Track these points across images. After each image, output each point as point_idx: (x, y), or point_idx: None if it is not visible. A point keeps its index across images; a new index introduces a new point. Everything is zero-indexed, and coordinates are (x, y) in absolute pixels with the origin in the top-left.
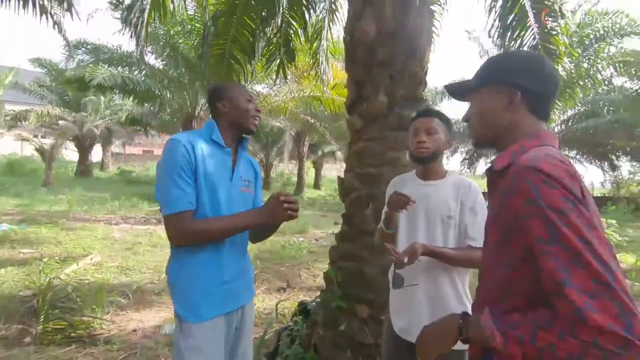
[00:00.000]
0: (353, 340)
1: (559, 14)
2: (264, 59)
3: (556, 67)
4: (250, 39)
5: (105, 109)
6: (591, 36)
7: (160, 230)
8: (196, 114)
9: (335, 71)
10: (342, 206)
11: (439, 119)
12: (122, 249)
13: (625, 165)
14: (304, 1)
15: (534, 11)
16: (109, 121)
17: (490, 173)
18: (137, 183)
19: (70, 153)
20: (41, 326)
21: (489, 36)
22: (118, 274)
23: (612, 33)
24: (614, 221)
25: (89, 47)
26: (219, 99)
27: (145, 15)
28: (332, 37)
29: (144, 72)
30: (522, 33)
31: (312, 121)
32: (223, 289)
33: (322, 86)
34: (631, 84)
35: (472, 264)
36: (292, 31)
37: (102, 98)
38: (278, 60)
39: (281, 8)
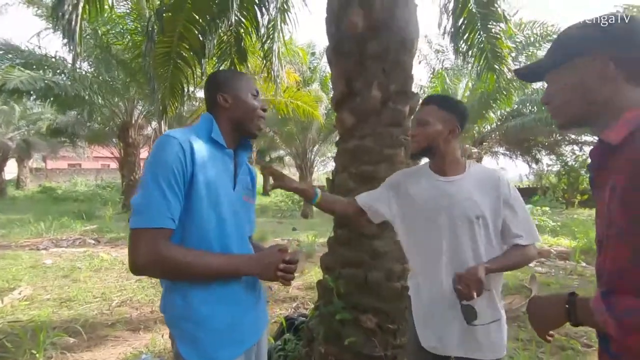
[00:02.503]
0: (361, 354)
1: (503, 19)
2: (214, 58)
3: (501, 69)
4: (200, 37)
5: (21, 119)
6: (523, 42)
7: (102, 251)
8: (133, 121)
9: (288, 74)
10: (297, 212)
11: (438, 106)
12: (57, 277)
13: (544, 159)
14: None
15: (480, 15)
16: (26, 133)
17: (600, 150)
18: (65, 200)
19: None
20: None
21: (443, 37)
22: (57, 307)
23: (540, 39)
24: (547, 208)
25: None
26: (219, 90)
27: (79, 9)
28: (284, 38)
29: (69, 75)
30: (472, 35)
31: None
32: (242, 324)
33: (275, 88)
34: None
35: (526, 264)
36: (242, 30)
37: (17, 107)
38: (229, 61)
39: (234, 5)
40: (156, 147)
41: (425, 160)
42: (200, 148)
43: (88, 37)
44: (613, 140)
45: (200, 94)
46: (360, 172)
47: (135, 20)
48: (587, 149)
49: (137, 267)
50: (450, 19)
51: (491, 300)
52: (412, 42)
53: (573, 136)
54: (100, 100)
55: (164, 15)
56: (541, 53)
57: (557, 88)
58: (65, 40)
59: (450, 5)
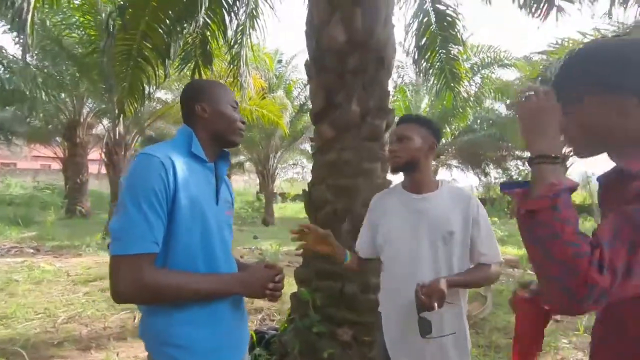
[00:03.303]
0: None
1: (461, 42)
2: (178, 58)
3: (459, 88)
4: (165, 37)
5: None
6: (478, 64)
7: (43, 261)
8: (82, 119)
9: (254, 80)
10: (258, 219)
11: (417, 123)
12: None
13: (492, 172)
14: (224, 3)
15: (440, 37)
16: None
17: (620, 177)
18: None
19: None
20: None
21: (406, 54)
22: None
23: (493, 62)
24: (496, 218)
25: None
26: (196, 100)
27: None
28: (252, 44)
29: (7, 67)
30: (432, 55)
31: None
32: (227, 346)
33: (241, 94)
34: (501, 108)
35: (489, 283)
36: (209, 33)
37: None
38: (193, 63)
39: (202, 6)
40: (135, 166)
41: (397, 179)
42: (182, 164)
43: (35, 26)
44: (634, 169)
45: (161, 95)
46: (339, 185)
47: (87, 13)
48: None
49: (120, 296)
50: (414, 38)
51: (457, 316)
52: (389, 61)
53: (518, 152)
54: (44, 96)
55: (127, 10)
56: (494, 75)
57: (576, 129)
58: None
59: (414, 26)
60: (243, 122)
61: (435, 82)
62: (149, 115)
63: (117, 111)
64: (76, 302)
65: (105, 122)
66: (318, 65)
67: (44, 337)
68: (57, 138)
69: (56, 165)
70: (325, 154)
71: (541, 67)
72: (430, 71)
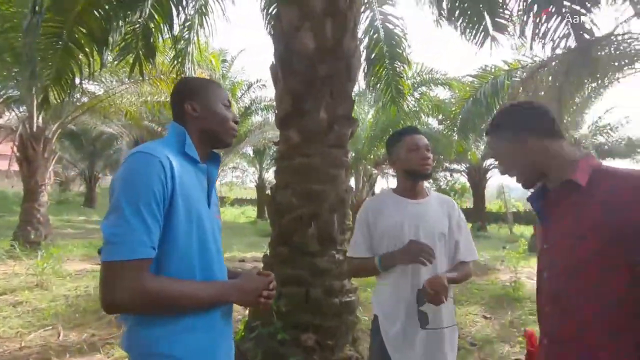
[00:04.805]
0: None
1: (407, 61)
2: (117, 48)
3: (401, 103)
4: (103, 22)
5: None
6: (416, 82)
7: None
8: None
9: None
10: None
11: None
12: None
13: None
14: None
15: (388, 54)
16: None
17: (569, 188)
18: None
19: None
20: None
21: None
22: None
23: (430, 81)
24: None
25: None
26: (187, 98)
27: None
28: (199, 41)
29: None
30: (380, 70)
31: (159, 128)
32: (220, 352)
33: None
34: (434, 123)
35: (468, 278)
36: (153, 25)
37: None
38: (134, 55)
39: None
40: (133, 166)
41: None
42: (178, 166)
43: None
44: (582, 182)
45: (93, 87)
46: (305, 190)
47: None
48: (456, 176)
49: (115, 304)
50: (364, 52)
51: (451, 311)
52: (355, 71)
53: (446, 164)
54: None
55: None
56: (432, 93)
57: (509, 163)
58: None
59: (365, 41)
60: (236, 122)
61: (383, 95)
62: (75, 108)
63: (38, 100)
64: None
65: (18, 111)
66: (286, 70)
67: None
68: None
69: None
70: (291, 160)
71: (469, 88)
72: (378, 85)
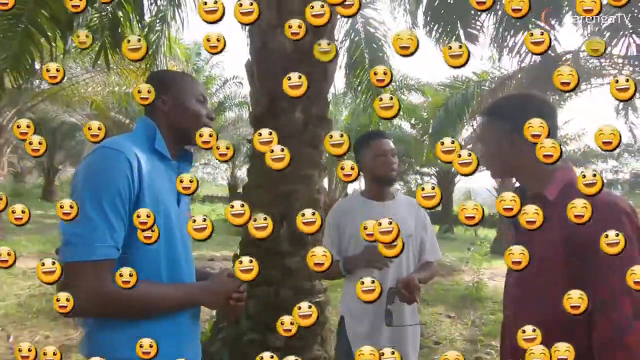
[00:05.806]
0: None
1: (388, 64)
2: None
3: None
4: (69, 8)
5: None
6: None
7: None
8: None
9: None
10: None
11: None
12: None
13: (395, 185)
14: None
15: (369, 58)
16: None
17: (538, 200)
18: None
19: None
20: None
21: (339, 68)
22: None
23: (404, 87)
24: None
25: None
26: (157, 92)
27: None
28: (169, 33)
29: None
30: (361, 73)
31: (126, 121)
32: (188, 356)
33: None
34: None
35: (433, 277)
36: (122, 14)
37: None
38: (99, 44)
39: None
40: (97, 162)
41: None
42: (146, 162)
43: None
44: (550, 196)
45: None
46: (279, 190)
47: None
48: (427, 179)
49: (78, 310)
50: (345, 55)
51: (414, 310)
52: (332, 73)
53: (417, 168)
54: None
55: None
56: (404, 97)
57: (490, 154)
58: None
59: (347, 44)
60: (211, 118)
61: (363, 98)
62: (34, 95)
63: None
64: None
65: None
66: (263, 68)
67: None
68: None
69: None
70: (265, 159)
71: (441, 98)
72: (359, 88)
